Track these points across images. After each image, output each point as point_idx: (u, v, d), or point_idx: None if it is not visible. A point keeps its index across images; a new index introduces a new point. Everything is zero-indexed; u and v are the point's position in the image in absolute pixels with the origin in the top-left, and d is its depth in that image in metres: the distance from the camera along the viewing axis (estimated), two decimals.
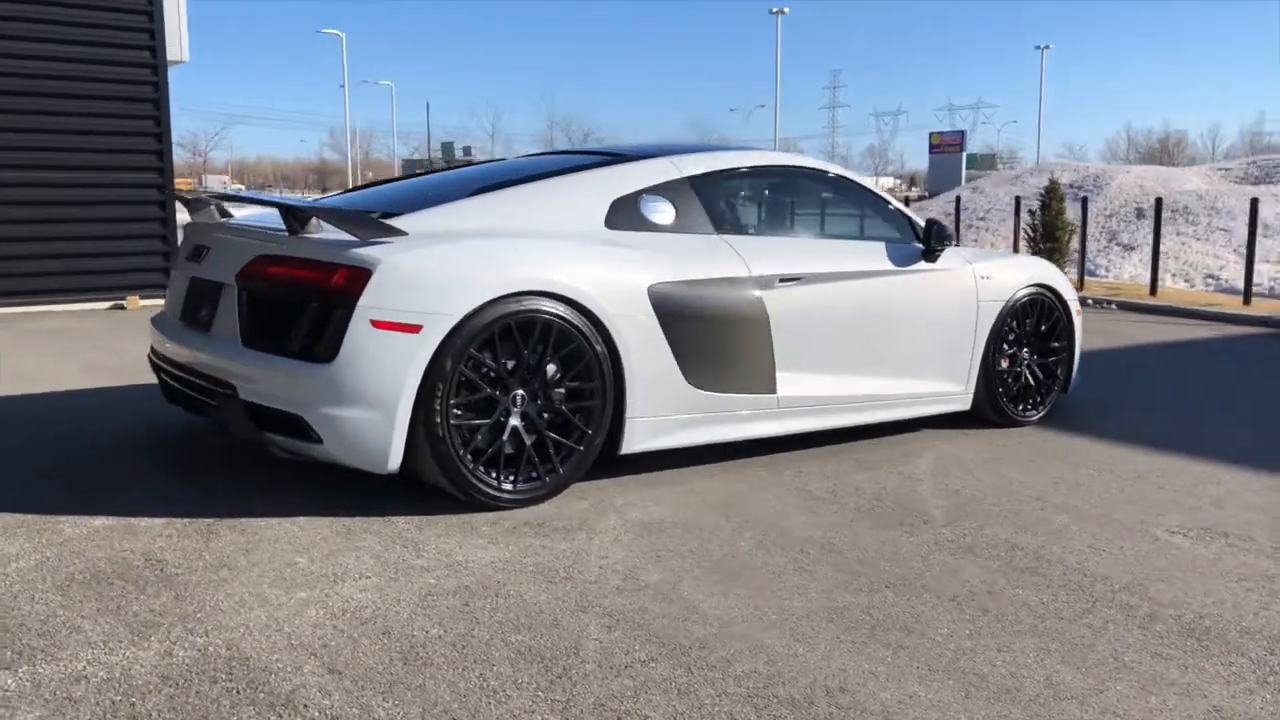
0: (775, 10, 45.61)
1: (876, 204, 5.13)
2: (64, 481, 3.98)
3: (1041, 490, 4.23)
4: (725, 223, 4.47)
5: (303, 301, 3.58)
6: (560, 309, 3.75)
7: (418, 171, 5.42)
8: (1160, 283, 13.31)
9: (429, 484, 3.72)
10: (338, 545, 3.34)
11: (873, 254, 4.85)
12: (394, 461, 3.57)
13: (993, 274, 5.22)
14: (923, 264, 4.97)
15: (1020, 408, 5.39)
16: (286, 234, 3.72)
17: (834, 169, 5.15)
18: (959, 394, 5.17)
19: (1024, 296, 5.33)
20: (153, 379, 6.04)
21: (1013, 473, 4.49)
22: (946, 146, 51.37)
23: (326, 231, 3.73)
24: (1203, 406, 6.10)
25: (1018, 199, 16.35)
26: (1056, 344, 5.52)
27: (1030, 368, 5.45)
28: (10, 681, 2.39)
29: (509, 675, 2.51)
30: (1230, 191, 18.78)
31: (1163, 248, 14.20)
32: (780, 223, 4.86)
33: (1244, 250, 15.79)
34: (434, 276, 3.57)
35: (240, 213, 4.60)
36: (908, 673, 2.59)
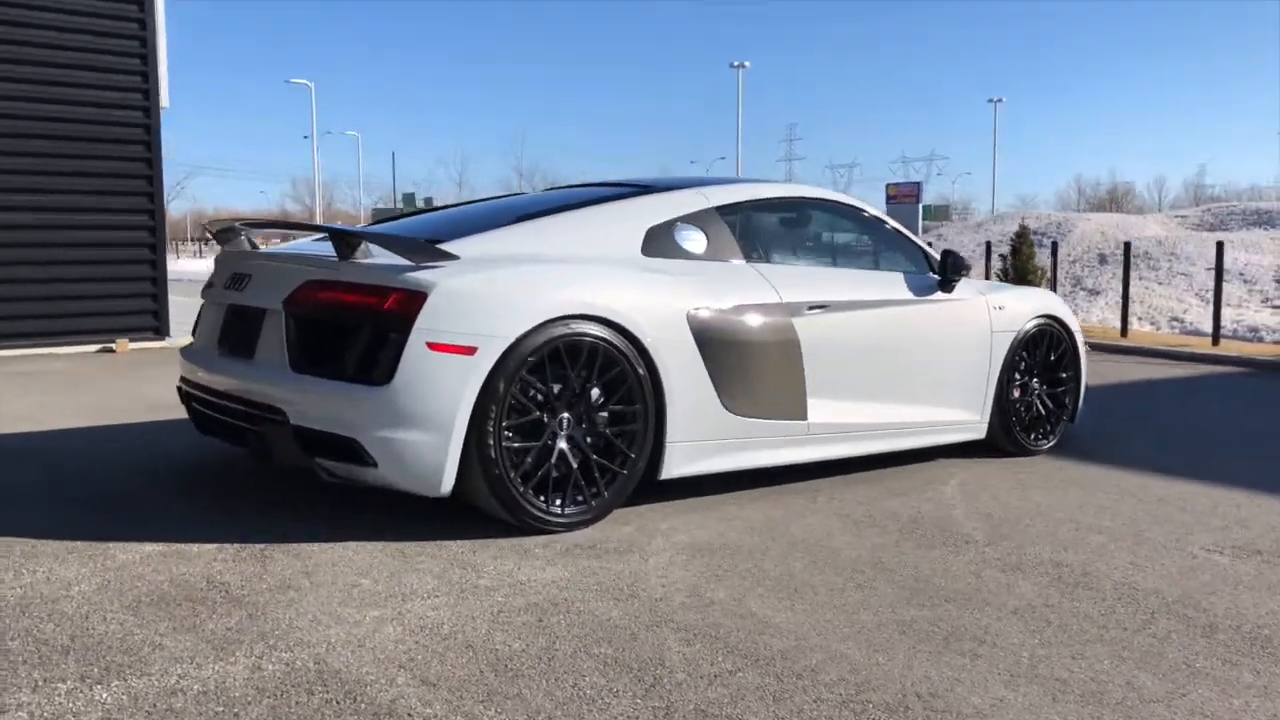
0: (736, 64, 46.45)
1: (892, 235, 5.25)
2: (102, 511, 3.93)
3: (1070, 513, 4.31)
4: (754, 251, 4.55)
5: (356, 325, 3.59)
6: (605, 333, 3.80)
7: (436, 207, 5.42)
8: (1128, 325, 13.62)
9: (479, 508, 3.72)
10: (396, 568, 3.33)
11: (893, 284, 4.95)
12: (447, 484, 3.57)
13: (1005, 304, 5.35)
14: (940, 294, 5.08)
15: (1032, 437, 5.49)
16: (335, 259, 3.74)
17: (851, 200, 5.27)
18: (975, 423, 5.26)
19: (1033, 327, 5.45)
20: (162, 415, 6.01)
21: (1038, 497, 4.58)
22: (903, 197, 52.06)
23: (376, 256, 3.75)
24: (1200, 437, 6.25)
25: (988, 244, 16.71)
26: (1064, 374, 5.65)
27: (1040, 397, 5.57)
28: (105, 696, 2.36)
29: (603, 684, 2.51)
30: (1188, 238, 19.33)
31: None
32: (805, 252, 4.95)
33: (1205, 294, 16.25)
34: (488, 299, 3.60)
35: (266, 245, 4.61)
36: (991, 678, 2.63)
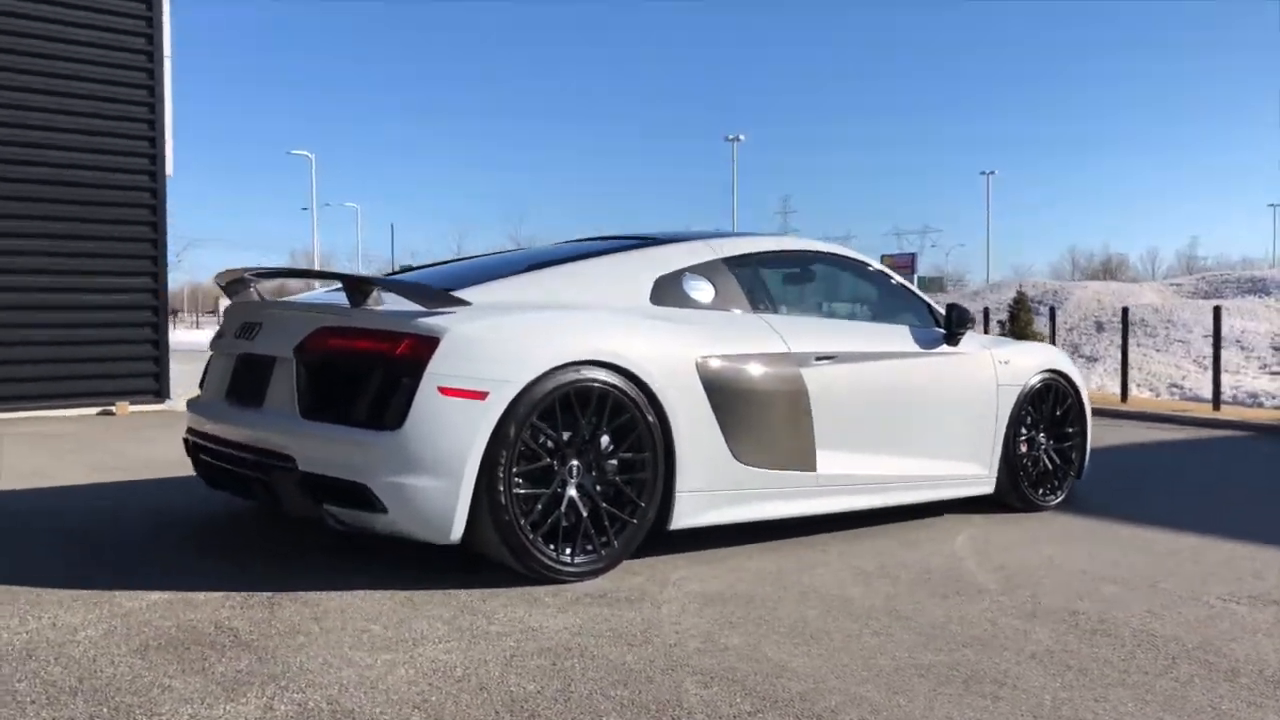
0: (731, 138, 47.18)
1: (897, 289, 5.28)
2: (106, 561, 3.89)
3: (1083, 564, 4.27)
4: (760, 302, 4.58)
5: (367, 370, 3.59)
6: (615, 379, 3.80)
7: (449, 260, 5.47)
8: (1127, 391, 13.64)
9: (487, 556, 3.68)
10: (405, 614, 3.28)
11: (899, 336, 4.98)
12: (456, 531, 3.54)
13: (1010, 358, 5.37)
14: (945, 347, 5.10)
15: (1040, 492, 5.47)
16: (348, 306, 3.76)
17: (857, 255, 5.32)
18: (983, 477, 5.24)
19: (1038, 382, 5.46)
20: (165, 474, 5.97)
21: (1049, 550, 4.54)
22: (899, 268, 52.74)
23: (387, 304, 3.77)
24: (1208, 494, 6.22)
25: (986, 310, 16.83)
26: (1070, 429, 5.64)
27: (1047, 453, 5.55)
28: None
29: None
30: (1184, 305, 19.46)
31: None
32: (811, 304, 4.99)
33: (1203, 361, 16.32)
34: (499, 344, 3.61)
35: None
36: None
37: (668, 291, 4.30)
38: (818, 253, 5.13)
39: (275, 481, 3.71)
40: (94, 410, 9.37)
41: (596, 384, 3.75)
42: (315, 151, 41.23)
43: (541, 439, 3.68)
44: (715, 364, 4.12)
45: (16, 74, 9.01)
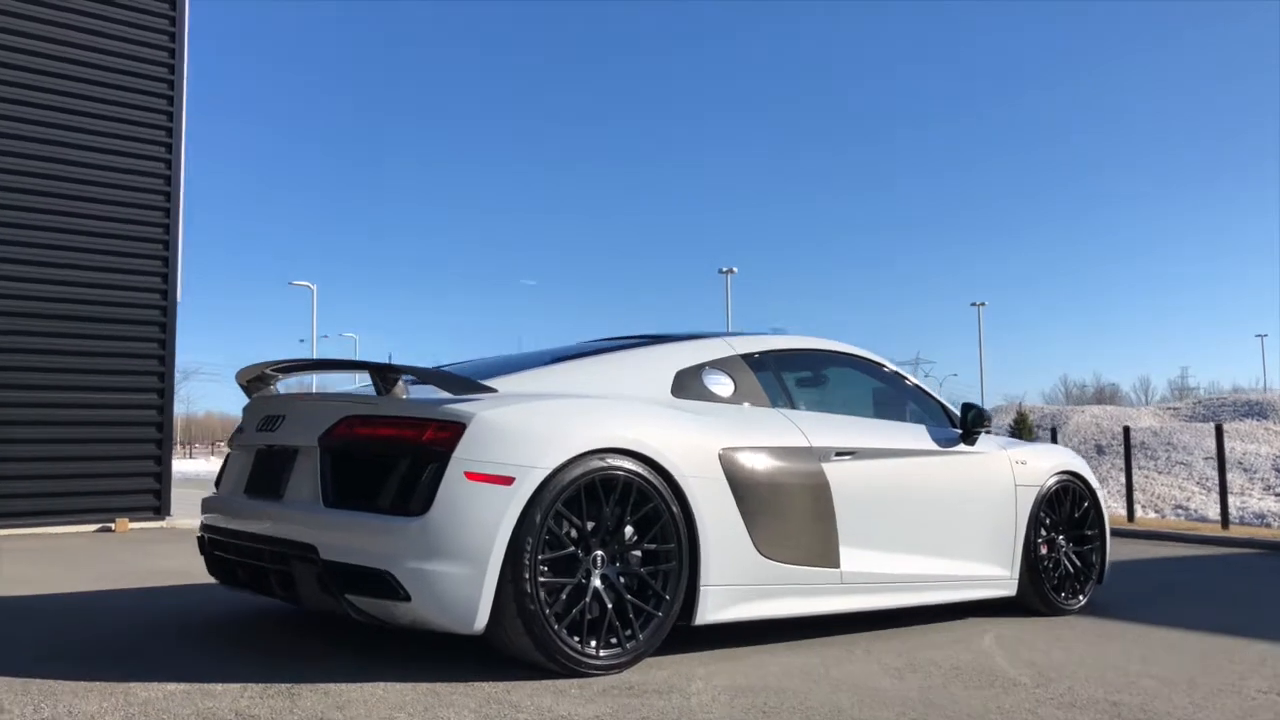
0: (724, 270, 47.95)
1: (912, 390, 5.31)
2: (117, 657, 3.78)
3: (1115, 661, 4.18)
4: (779, 397, 4.60)
5: (394, 458, 3.57)
6: (639, 467, 3.78)
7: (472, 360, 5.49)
8: (1133, 511, 13.55)
9: (507, 650, 3.59)
10: (430, 703, 3.18)
11: (917, 434, 4.98)
12: (481, 620, 3.47)
13: (1026, 459, 5.36)
14: (963, 446, 5.10)
15: (1063, 595, 5.38)
16: (374, 395, 3.76)
17: (871, 354, 5.36)
18: (1006, 579, 5.17)
19: (1055, 483, 5.44)
20: (170, 582, 5.85)
21: (1079, 648, 4.45)
22: None
23: (414, 392, 3.78)
24: (1231, 603, 6.13)
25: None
26: (1089, 532, 5.59)
27: (1068, 555, 5.49)
28: None
29: None
30: (1183, 428, 19.50)
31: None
32: (828, 401, 5.00)
33: (1205, 482, 16.26)
34: (526, 430, 3.61)
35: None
36: None
37: (688, 384, 4.32)
38: (834, 352, 5.17)
39: (295, 573, 3.65)
40: (93, 527, 9.24)
41: (621, 472, 3.73)
42: (317, 281, 41.60)
43: (566, 527, 3.64)
44: (738, 454, 4.11)
45: (37, 196, 9.20)
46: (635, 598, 3.77)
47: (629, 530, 3.79)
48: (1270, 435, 18.72)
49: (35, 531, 8.88)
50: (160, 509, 9.66)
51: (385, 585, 3.44)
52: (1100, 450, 19.11)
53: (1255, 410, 19.89)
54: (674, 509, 3.86)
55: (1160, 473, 17.43)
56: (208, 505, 4.38)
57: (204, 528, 4.35)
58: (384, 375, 3.75)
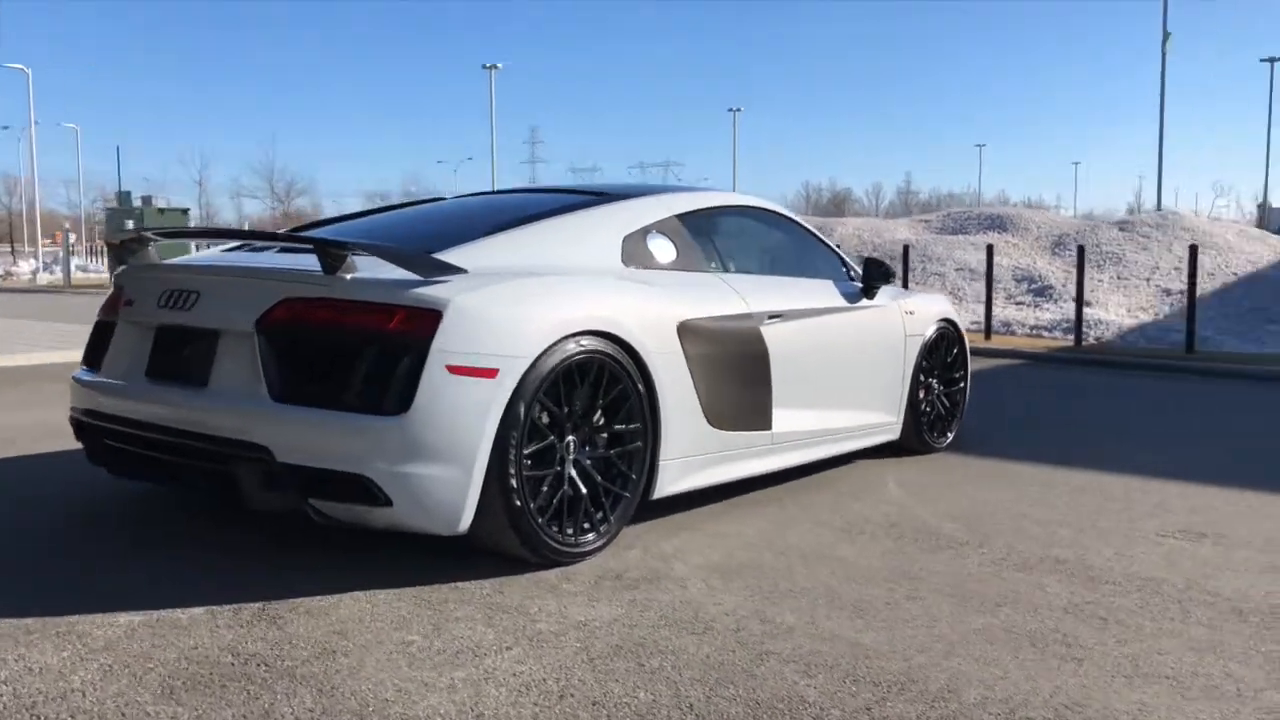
0: (489, 66, 45.96)
1: (817, 244, 5.29)
2: (29, 573, 3.28)
3: (1018, 509, 4.48)
4: (713, 260, 4.45)
5: (358, 348, 3.18)
6: (612, 349, 3.58)
7: (359, 213, 4.84)
8: None
9: (486, 545, 3.40)
10: (432, 617, 2.97)
11: (831, 292, 5.00)
12: (466, 521, 3.24)
13: (914, 310, 5.53)
14: (865, 300, 5.17)
15: (935, 435, 5.71)
16: (317, 273, 3.30)
17: (783, 210, 5.29)
18: (894, 424, 5.40)
19: (934, 333, 5.67)
20: (38, 447, 5.10)
21: (978, 493, 4.75)
22: None
23: (364, 270, 3.34)
24: (1046, 424, 6.76)
25: None
26: (957, 374, 5.91)
27: (939, 398, 5.79)
28: None
29: None
30: (935, 240, 20.90)
31: None
32: (752, 261, 4.89)
33: (958, 293, 17.66)
34: (504, 317, 3.30)
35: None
36: (1115, 681, 2.66)
37: (634, 252, 4.09)
38: (753, 208, 5.05)
39: (239, 473, 3.24)
40: None
41: (598, 355, 3.52)
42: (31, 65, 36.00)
43: (545, 416, 3.42)
44: (694, 326, 3.97)
45: None
46: (604, 479, 3.64)
47: (598, 413, 3.61)
48: (1009, 247, 20.42)
49: None
50: None
51: (361, 489, 3.13)
52: None
53: (997, 223, 21.55)
54: (639, 388, 3.70)
55: (917, 283, 18.72)
56: (86, 385, 3.80)
57: (83, 412, 3.78)
58: (331, 251, 3.29)
